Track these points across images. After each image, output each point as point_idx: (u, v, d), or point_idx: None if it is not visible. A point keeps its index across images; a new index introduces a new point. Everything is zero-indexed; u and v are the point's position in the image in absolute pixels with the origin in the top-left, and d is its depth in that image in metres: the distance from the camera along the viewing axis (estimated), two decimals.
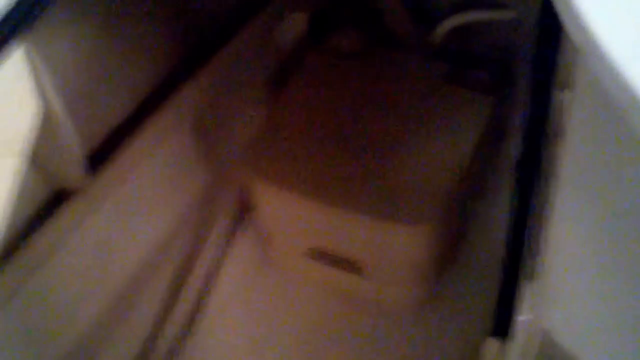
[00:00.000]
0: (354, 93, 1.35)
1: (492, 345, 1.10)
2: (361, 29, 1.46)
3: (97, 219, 1.21)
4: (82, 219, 1.18)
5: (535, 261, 0.94)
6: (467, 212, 1.39)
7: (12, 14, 0.66)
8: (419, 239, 1.21)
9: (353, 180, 1.23)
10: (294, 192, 1.24)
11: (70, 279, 1.19)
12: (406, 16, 1.44)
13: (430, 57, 1.41)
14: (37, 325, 1.15)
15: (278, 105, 1.36)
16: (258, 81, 1.55)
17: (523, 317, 0.96)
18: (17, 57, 0.84)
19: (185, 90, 1.35)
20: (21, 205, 1.12)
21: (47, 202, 1.16)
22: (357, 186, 1.22)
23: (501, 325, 1.05)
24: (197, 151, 1.42)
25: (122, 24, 1.28)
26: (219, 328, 1.39)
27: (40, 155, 1.12)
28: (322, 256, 1.32)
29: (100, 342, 1.27)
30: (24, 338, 1.13)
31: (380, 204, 1.20)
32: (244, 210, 1.47)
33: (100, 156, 1.23)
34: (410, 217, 1.19)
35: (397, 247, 1.23)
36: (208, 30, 1.46)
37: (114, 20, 1.26)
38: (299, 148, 1.28)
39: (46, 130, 1.08)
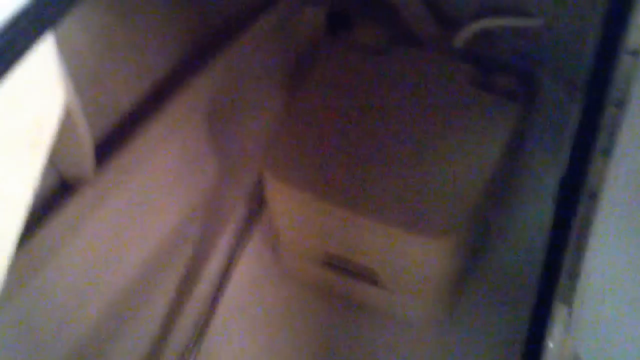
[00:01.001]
0: (375, 92, 1.30)
1: None
2: (381, 26, 1.41)
3: (105, 212, 1.17)
4: (89, 211, 1.14)
5: (572, 284, 0.90)
6: (487, 223, 1.34)
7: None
8: (440, 251, 1.17)
9: (372, 184, 1.18)
10: (309, 192, 1.19)
11: (76, 273, 1.15)
12: (426, 15, 1.39)
13: (454, 60, 1.36)
14: (44, 319, 1.12)
15: (296, 102, 1.31)
16: (274, 74, 1.50)
17: (555, 343, 0.92)
18: (45, 47, 0.79)
19: (199, 80, 1.31)
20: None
21: (54, 193, 1.13)
22: (376, 191, 1.18)
23: (532, 351, 1.00)
24: (209, 143, 1.37)
25: (134, 7, 1.23)
26: (228, 332, 1.35)
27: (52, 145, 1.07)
28: (337, 263, 1.27)
29: (107, 339, 1.23)
30: (30, 332, 1.10)
31: (400, 211, 1.15)
32: (257, 208, 1.42)
33: (109, 146, 1.18)
34: (432, 228, 1.14)
35: (417, 259, 1.19)
36: (224, 19, 1.42)
37: (127, 2, 1.21)
38: (317, 147, 1.23)
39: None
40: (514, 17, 1.32)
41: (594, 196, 0.83)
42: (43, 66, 0.78)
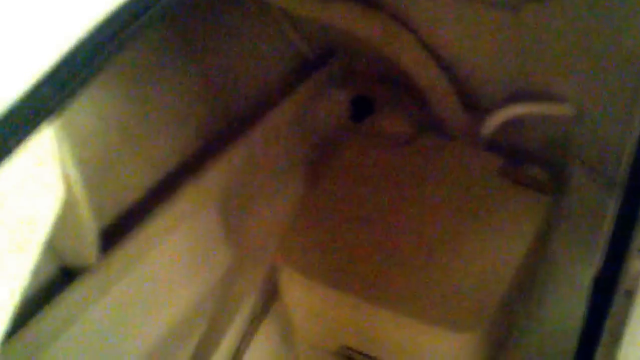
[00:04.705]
0: (398, 182, 1.26)
1: None
2: (407, 114, 1.38)
3: (107, 301, 1.13)
4: (91, 300, 1.10)
5: None
6: (514, 317, 1.28)
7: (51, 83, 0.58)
8: (463, 348, 1.11)
9: (393, 277, 1.14)
10: (325, 284, 1.15)
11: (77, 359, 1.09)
12: (454, 101, 1.35)
13: (481, 149, 1.31)
14: None
15: (315, 191, 1.27)
16: (293, 161, 1.46)
17: None
18: (45, 137, 0.76)
19: (213, 169, 1.28)
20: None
21: (54, 279, 1.08)
22: (397, 284, 1.13)
23: None
24: (222, 233, 1.33)
25: (150, 96, 1.21)
26: None
27: (52, 233, 1.04)
28: (353, 356, 1.21)
29: None
30: None
31: (423, 305, 1.10)
32: (269, 300, 1.37)
33: (116, 234, 1.14)
34: (454, 324, 1.08)
35: (439, 353, 1.13)
36: (243, 106, 1.39)
37: (143, 90, 1.20)
38: (335, 238, 1.19)
39: (62, 208, 1.00)
40: (544, 104, 1.28)
41: (629, 295, 0.78)
42: (39, 160, 0.75)
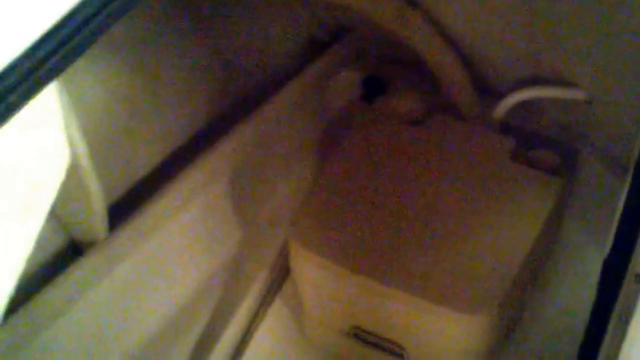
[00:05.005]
0: (410, 162, 1.26)
1: None
2: (419, 94, 1.38)
3: (116, 275, 1.13)
4: (100, 274, 1.11)
5: None
6: (523, 301, 1.28)
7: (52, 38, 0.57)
8: (473, 329, 1.11)
9: (404, 257, 1.13)
10: (335, 262, 1.14)
11: (83, 336, 1.11)
12: (467, 84, 1.35)
13: (493, 132, 1.31)
14: None
15: (326, 170, 1.26)
16: (305, 140, 1.46)
17: None
18: (48, 98, 0.75)
19: (223, 145, 1.28)
20: (35, 255, 1.04)
21: (62, 253, 1.10)
22: (407, 264, 1.13)
23: None
24: (233, 209, 1.34)
25: (160, 71, 1.21)
26: None
27: (59, 202, 1.04)
28: (363, 336, 1.21)
29: None
30: None
31: (433, 285, 1.10)
32: (280, 276, 1.37)
33: (125, 208, 1.15)
34: (464, 305, 1.08)
35: (447, 335, 1.13)
36: (252, 83, 1.39)
37: (151, 63, 1.20)
38: (346, 217, 1.19)
39: (69, 179, 1.01)
40: (557, 88, 1.28)
41: (639, 279, 0.78)
42: (42, 124, 0.75)
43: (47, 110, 0.77)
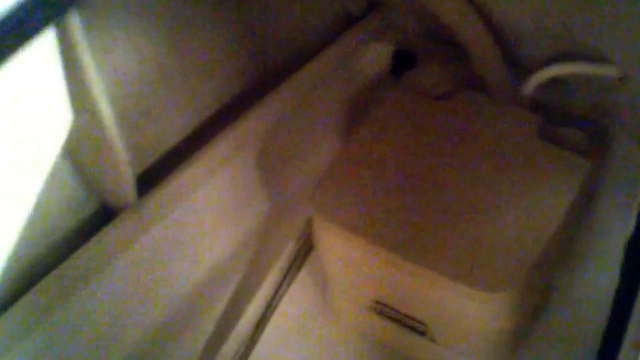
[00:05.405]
0: (436, 136, 1.24)
1: None
2: (447, 69, 1.36)
3: (145, 240, 1.15)
4: (129, 239, 1.12)
5: (636, 355, 0.83)
6: (550, 280, 1.26)
7: None
8: (495, 308, 1.10)
9: (426, 232, 1.12)
10: (357, 235, 1.13)
11: (113, 298, 1.13)
12: (497, 58, 1.33)
13: (522, 108, 1.29)
14: (77, 343, 1.09)
15: (352, 141, 1.25)
16: (333, 112, 1.46)
17: None
18: (47, 45, 0.75)
19: (252, 116, 1.28)
20: (66, 217, 1.06)
21: (94, 218, 1.11)
22: (429, 239, 1.11)
23: None
24: (260, 180, 1.34)
25: (191, 41, 1.21)
26: None
27: (88, 167, 1.05)
28: (385, 311, 1.20)
29: None
30: (62, 357, 1.07)
31: (455, 262, 1.09)
32: (306, 248, 1.37)
33: (155, 176, 1.15)
34: (487, 283, 1.07)
35: (469, 314, 1.11)
36: (281, 54, 1.38)
37: (184, 34, 1.19)
38: (370, 190, 1.18)
39: (95, 142, 1.02)
40: (589, 64, 1.25)
41: None
42: (43, 69, 0.74)
43: (46, 56, 0.77)
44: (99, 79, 0.97)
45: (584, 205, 1.29)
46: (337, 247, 1.18)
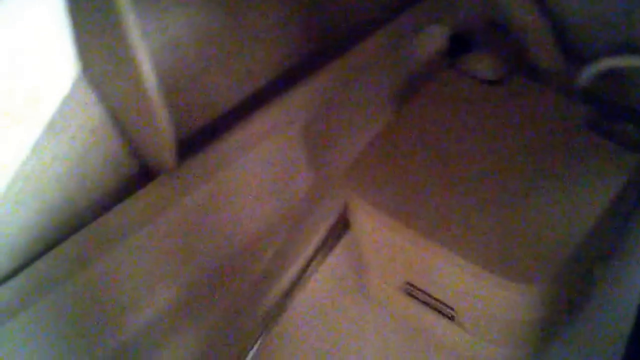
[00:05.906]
0: (481, 121, 1.22)
1: None
2: (501, 55, 1.33)
3: (184, 203, 1.15)
4: (168, 201, 1.13)
5: None
6: (591, 275, 1.23)
7: None
8: (525, 300, 1.08)
9: (461, 218, 1.10)
10: (390, 216, 1.12)
11: (147, 259, 1.14)
12: (553, 46, 1.30)
13: (574, 99, 1.26)
14: (108, 300, 1.12)
15: (395, 121, 1.24)
16: (384, 92, 1.44)
17: None
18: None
19: (303, 88, 1.27)
20: (106, 176, 1.08)
21: (134, 179, 1.13)
22: (464, 226, 1.10)
23: None
24: (304, 156, 1.34)
25: (246, 9, 1.21)
26: (294, 340, 1.30)
27: (130, 129, 1.07)
28: (417, 294, 1.20)
29: (169, 331, 1.22)
30: (91, 313, 1.10)
31: (487, 250, 1.07)
32: (342, 227, 1.37)
33: (199, 142, 1.16)
34: (518, 274, 1.05)
35: (498, 303, 1.10)
36: (337, 30, 1.38)
37: (234, 3, 1.20)
38: (409, 172, 1.16)
39: (137, 105, 1.03)
40: None
41: None
42: (40, 27, 0.74)
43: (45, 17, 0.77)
44: (142, 43, 0.98)
45: (633, 202, 1.25)
46: (370, 227, 1.18)
